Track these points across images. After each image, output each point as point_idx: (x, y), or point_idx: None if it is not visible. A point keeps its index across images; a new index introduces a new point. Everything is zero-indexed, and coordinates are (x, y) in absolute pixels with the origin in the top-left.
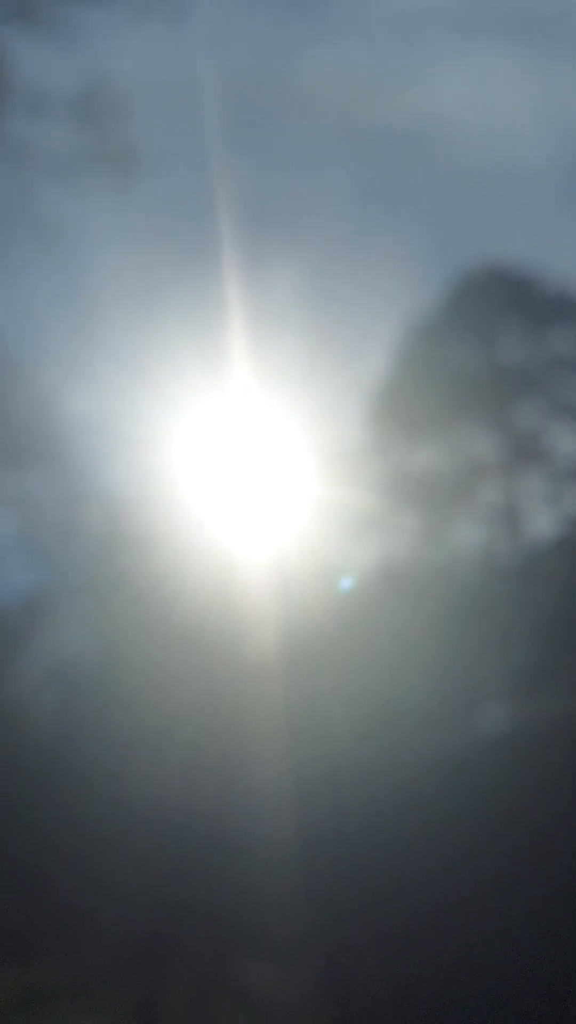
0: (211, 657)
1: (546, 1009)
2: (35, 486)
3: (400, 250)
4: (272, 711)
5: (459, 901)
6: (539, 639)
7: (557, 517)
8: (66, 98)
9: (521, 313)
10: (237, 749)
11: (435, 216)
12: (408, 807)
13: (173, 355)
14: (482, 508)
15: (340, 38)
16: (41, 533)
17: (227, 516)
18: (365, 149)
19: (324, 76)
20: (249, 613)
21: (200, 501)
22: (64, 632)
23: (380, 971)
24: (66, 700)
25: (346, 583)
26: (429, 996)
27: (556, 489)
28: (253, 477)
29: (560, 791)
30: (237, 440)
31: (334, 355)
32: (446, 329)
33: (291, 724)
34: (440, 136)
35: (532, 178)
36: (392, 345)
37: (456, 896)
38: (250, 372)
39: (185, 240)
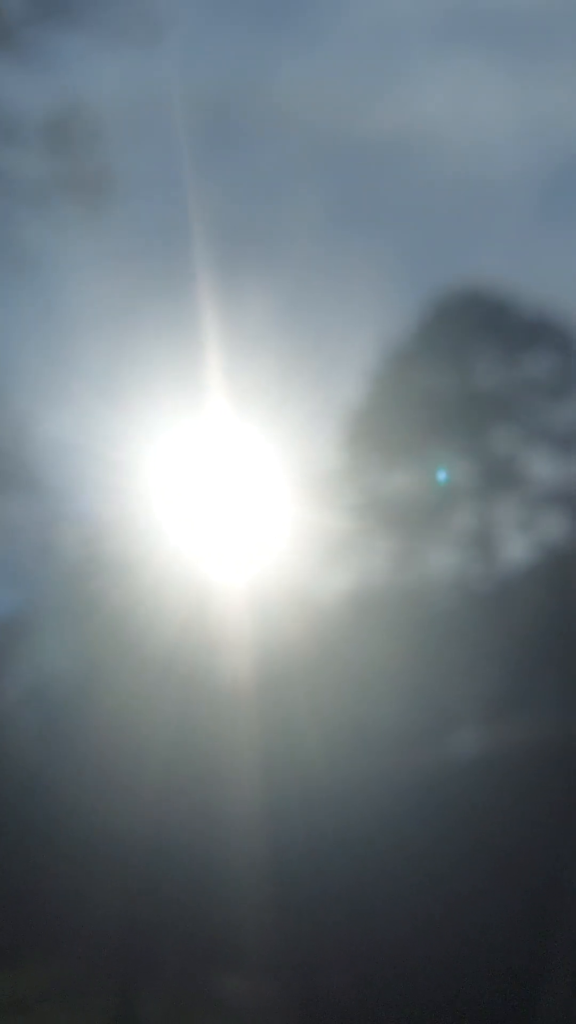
0: (187, 678)
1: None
2: (12, 509)
3: (376, 271)
4: (247, 730)
5: (431, 919)
6: (512, 664)
7: (531, 543)
8: (38, 123)
9: (497, 337)
10: (213, 768)
11: (412, 235)
12: (381, 827)
13: (148, 378)
14: (456, 532)
15: (317, 53)
16: (18, 556)
17: (203, 538)
18: (342, 168)
19: (300, 92)
20: (225, 635)
21: (175, 524)
22: (41, 654)
23: (354, 985)
24: (43, 721)
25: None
26: (402, 1010)
27: (530, 514)
28: (228, 500)
29: (532, 814)
30: (212, 463)
31: (309, 378)
32: (421, 353)
33: (266, 743)
34: (418, 151)
35: (512, 193)
36: (367, 368)
37: (428, 914)
38: (225, 395)
39: (160, 263)
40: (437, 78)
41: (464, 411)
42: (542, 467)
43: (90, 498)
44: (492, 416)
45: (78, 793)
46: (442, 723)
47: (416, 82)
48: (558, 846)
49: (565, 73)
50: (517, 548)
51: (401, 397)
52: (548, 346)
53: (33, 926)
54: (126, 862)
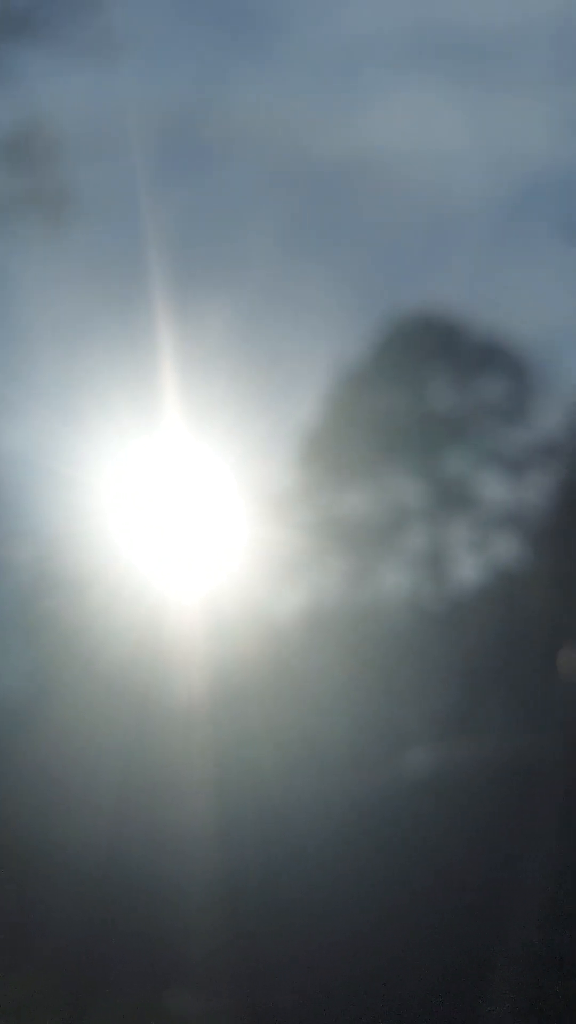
0: (141, 696)
1: None
2: None
3: (332, 293)
4: (200, 748)
5: (381, 935)
6: (463, 683)
7: (482, 563)
8: None
9: (449, 360)
10: (166, 786)
11: (368, 257)
12: (332, 846)
13: (104, 395)
14: (408, 553)
15: (276, 76)
16: None
17: (157, 556)
18: (299, 189)
19: (260, 114)
20: (179, 653)
21: (130, 541)
22: None
23: (305, 1001)
24: None
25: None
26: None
27: (481, 536)
28: (183, 518)
29: (483, 833)
30: (167, 480)
31: (265, 397)
32: (376, 375)
33: (219, 761)
34: (375, 174)
35: (467, 218)
36: (322, 389)
37: (378, 931)
38: (181, 413)
39: (116, 281)
40: (395, 103)
41: (417, 433)
42: (494, 489)
43: (44, 515)
44: (445, 438)
45: (29, 810)
46: (394, 742)
47: (374, 107)
48: (508, 864)
49: (521, 101)
50: (469, 569)
51: (356, 418)
52: (500, 370)
53: None
54: (78, 879)
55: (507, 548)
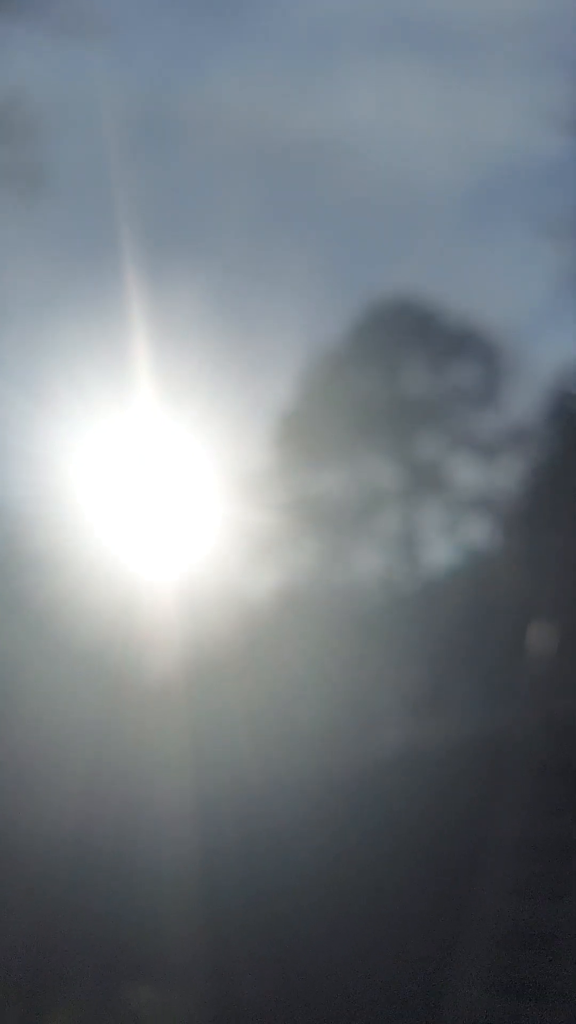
0: (113, 677)
1: None
2: None
3: (306, 272)
4: (173, 731)
5: (355, 922)
6: (435, 662)
7: (453, 545)
8: None
9: (423, 345)
10: (138, 766)
11: (341, 237)
12: (306, 827)
13: (77, 374)
14: (381, 534)
15: (250, 54)
16: None
17: (130, 535)
18: (273, 168)
19: (234, 94)
20: (153, 632)
21: (102, 520)
22: None
23: (271, 996)
24: None
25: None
26: (319, 1019)
27: (453, 518)
28: (156, 497)
29: (455, 811)
30: (140, 460)
31: (239, 377)
32: (350, 357)
33: (192, 744)
34: (347, 157)
35: (438, 200)
36: (297, 370)
37: (352, 917)
38: (154, 393)
39: (89, 258)
40: (369, 86)
41: (391, 416)
42: (465, 472)
43: (15, 494)
44: (418, 422)
45: None
46: (367, 719)
47: (348, 89)
48: (480, 840)
49: (492, 86)
50: (440, 550)
51: (331, 400)
52: (473, 355)
53: None
54: (42, 867)
55: (479, 530)
